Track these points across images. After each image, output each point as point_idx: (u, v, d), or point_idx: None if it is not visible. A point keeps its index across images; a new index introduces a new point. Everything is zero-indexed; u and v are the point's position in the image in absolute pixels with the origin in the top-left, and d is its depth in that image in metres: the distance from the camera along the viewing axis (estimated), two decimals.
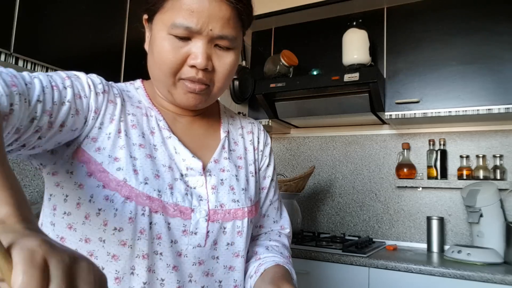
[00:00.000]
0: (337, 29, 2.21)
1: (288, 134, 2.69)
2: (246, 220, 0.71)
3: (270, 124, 2.41)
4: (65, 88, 0.58)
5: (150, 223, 0.61)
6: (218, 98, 0.85)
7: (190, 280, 0.65)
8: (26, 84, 0.51)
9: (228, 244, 0.69)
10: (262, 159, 0.83)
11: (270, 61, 2.27)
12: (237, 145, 0.80)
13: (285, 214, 0.89)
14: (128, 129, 0.66)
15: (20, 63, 1.32)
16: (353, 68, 2.04)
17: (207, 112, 0.79)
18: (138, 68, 1.74)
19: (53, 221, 0.63)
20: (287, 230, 0.87)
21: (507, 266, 1.68)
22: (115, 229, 0.60)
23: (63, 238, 0.62)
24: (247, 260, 0.78)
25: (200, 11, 0.61)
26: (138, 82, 0.76)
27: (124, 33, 1.68)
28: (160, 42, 0.64)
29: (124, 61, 1.68)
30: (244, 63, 2.45)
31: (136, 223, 0.60)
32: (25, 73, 0.54)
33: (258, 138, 0.84)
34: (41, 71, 1.38)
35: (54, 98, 0.55)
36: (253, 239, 0.84)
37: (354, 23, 2.11)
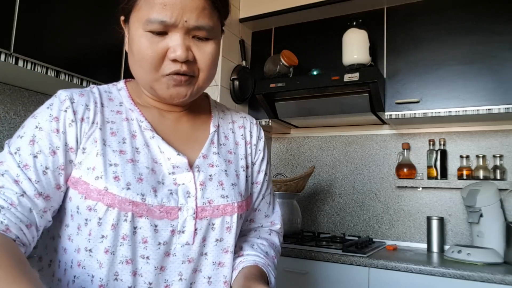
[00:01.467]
0: (337, 29, 2.21)
1: (288, 134, 2.69)
2: (235, 215, 0.71)
3: (270, 124, 2.41)
4: (35, 157, 0.61)
5: (135, 228, 0.61)
6: (209, 94, 0.85)
7: (180, 279, 0.65)
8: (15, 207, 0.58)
9: (217, 240, 0.69)
10: (256, 153, 0.82)
11: (270, 61, 2.27)
12: (227, 139, 0.79)
13: (277, 209, 0.88)
14: (106, 137, 0.66)
15: (20, 63, 1.32)
16: (353, 68, 2.04)
17: (196, 107, 0.78)
18: None
19: (59, 233, 0.66)
20: (278, 226, 0.86)
21: (507, 266, 1.68)
22: (102, 237, 0.61)
23: (66, 249, 0.64)
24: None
25: (173, 4, 0.61)
26: (121, 83, 0.75)
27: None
28: (137, 40, 0.64)
29: (124, 61, 1.68)
30: (244, 63, 2.45)
31: (118, 229, 0.61)
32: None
33: (251, 132, 0.83)
34: (41, 71, 1.38)
35: (36, 187, 0.60)
36: (243, 234, 0.83)
37: (354, 23, 2.11)
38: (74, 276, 0.62)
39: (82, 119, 0.65)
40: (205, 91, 0.78)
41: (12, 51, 1.28)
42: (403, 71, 2.09)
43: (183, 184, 0.67)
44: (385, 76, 2.13)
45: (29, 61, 1.34)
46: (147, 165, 0.65)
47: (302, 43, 2.39)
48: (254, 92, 2.34)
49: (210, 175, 0.71)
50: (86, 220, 0.61)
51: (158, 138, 0.69)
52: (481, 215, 1.87)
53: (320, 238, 2.17)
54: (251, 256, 0.75)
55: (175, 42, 0.63)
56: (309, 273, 1.83)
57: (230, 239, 0.71)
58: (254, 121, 0.86)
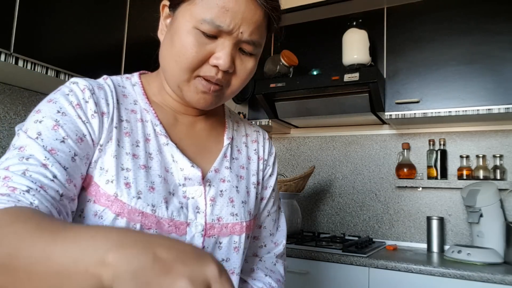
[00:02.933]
0: (337, 29, 2.21)
1: (288, 134, 2.69)
2: (243, 235, 0.68)
3: (270, 124, 2.41)
4: (62, 142, 0.55)
5: None
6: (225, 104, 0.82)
7: None
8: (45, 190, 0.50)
9: (223, 260, 0.66)
10: (266, 168, 0.79)
11: (270, 61, 2.27)
12: (240, 154, 0.75)
13: (282, 226, 0.84)
14: (121, 137, 0.61)
15: (20, 63, 1.32)
16: (353, 68, 2.04)
17: (212, 113, 0.74)
18: (138, 68, 1.74)
19: None
20: (280, 248, 0.83)
21: (507, 266, 1.68)
22: None
23: None
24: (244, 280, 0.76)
25: (235, 11, 0.58)
26: (135, 77, 0.70)
27: (124, 33, 1.68)
28: (184, 35, 0.59)
29: (124, 61, 1.68)
30: None
31: None
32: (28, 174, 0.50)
33: (264, 147, 0.80)
34: (41, 71, 1.38)
35: (64, 174, 0.53)
36: (246, 254, 0.80)
37: (354, 23, 2.11)
38: None
39: (103, 113, 0.60)
40: None
41: (12, 51, 1.28)
42: (403, 71, 2.09)
43: (192, 198, 0.63)
44: (385, 76, 2.12)
45: (29, 61, 1.34)
46: (160, 173, 0.61)
47: (302, 43, 2.38)
48: (254, 92, 2.33)
49: (221, 191, 0.67)
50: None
51: (172, 145, 0.65)
52: (481, 215, 1.87)
53: (320, 238, 2.17)
54: None
55: (223, 50, 0.59)
56: (309, 273, 1.83)
57: (237, 260, 0.67)
58: (267, 135, 0.83)
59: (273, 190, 0.81)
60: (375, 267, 1.71)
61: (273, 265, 0.81)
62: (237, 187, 0.70)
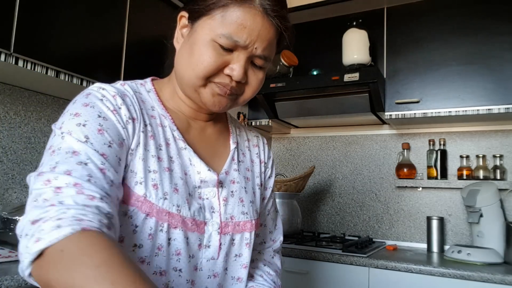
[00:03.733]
0: (337, 29, 2.21)
1: (288, 134, 2.69)
2: (253, 232, 0.73)
3: (270, 124, 2.41)
4: (109, 147, 0.57)
5: (169, 239, 0.61)
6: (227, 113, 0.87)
7: None
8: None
9: (236, 255, 0.71)
10: (265, 170, 0.85)
11: None
12: (245, 157, 0.81)
13: (279, 225, 0.91)
14: (147, 141, 0.64)
15: (20, 63, 1.32)
16: (353, 68, 2.04)
17: (217, 119, 0.79)
18: (138, 68, 1.74)
19: None
20: (278, 244, 0.90)
21: (507, 266, 1.68)
22: (135, 245, 0.59)
23: None
24: None
25: (252, 29, 0.62)
26: (148, 84, 0.73)
27: (124, 33, 1.68)
28: (203, 46, 0.63)
29: (124, 61, 1.68)
30: None
31: (155, 240, 0.60)
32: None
33: (264, 152, 0.86)
34: (41, 71, 1.38)
35: (117, 178, 0.57)
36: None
37: (354, 23, 2.11)
38: None
39: (134, 119, 0.63)
40: None
41: (12, 51, 1.28)
42: (403, 71, 2.09)
43: (207, 199, 0.68)
44: (385, 76, 2.13)
45: (29, 61, 1.34)
46: (181, 176, 0.65)
47: (302, 43, 2.38)
48: None
49: (232, 192, 0.72)
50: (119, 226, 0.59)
51: (190, 150, 0.69)
52: (481, 215, 1.87)
53: (320, 238, 2.17)
54: (262, 287, 0.78)
55: (237, 63, 0.63)
56: (309, 273, 1.83)
57: (248, 255, 0.73)
58: (265, 140, 0.89)
59: (272, 191, 0.87)
60: (375, 267, 1.71)
61: (271, 258, 0.87)
62: (245, 187, 0.76)
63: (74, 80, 1.50)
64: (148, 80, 0.74)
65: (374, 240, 2.23)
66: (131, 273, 0.42)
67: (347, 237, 2.23)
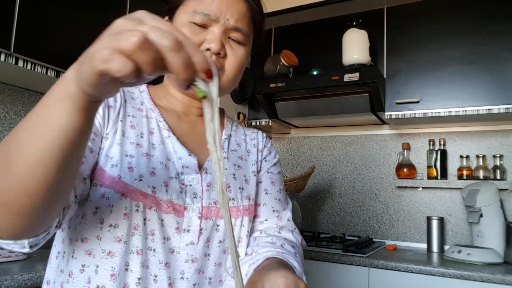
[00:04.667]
0: (337, 29, 2.21)
1: (288, 134, 2.69)
2: (240, 218, 0.72)
3: (270, 124, 2.41)
4: None
5: (144, 219, 0.63)
6: (225, 110, 0.88)
7: (182, 277, 0.65)
8: None
9: (220, 241, 0.70)
10: (266, 157, 0.86)
11: (270, 61, 2.27)
12: (239, 146, 0.82)
13: (289, 207, 0.85)
14: (126, 129, 0.68)
15: (20, 63, 1.32)
16: (353, 68, 2.04)
17: None
18: None
19: (69, 225, 0.65)
20: (285, 220, 0.82)
21: (507, 266, 1.68)
22: (111, 225, 0.61)
23: (70, 239, 0.63)
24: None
25: (220, 1, 0.68)
26: (143, 87, 0.78)
27: None
28: (180, 29, 0.68)
29: None
30: None
31: (131, 219, 0.62)
32: None
33: (263, 142, 0.87)
34: (41, 71, 1.38)
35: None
36: (253, 238, 0.79)
37: (354, 23, 2.11)
38: (83, 265, 0.61)
39: (110, 106, 0.68)
40: None
41: (12, 51, 1.28)
42: (403, 71, 2.09)
43: (190, 185, 0.68)
44: (385, 76, 2.13)
45: (29, 61, 1.34)
46: (161, 161, 0.67)
47: (302, 43, 2.38)
48: (254, 92, 2.34)
49: None
50: (97, 208, 0.61)
51: (174, 138, 0.71)
52: (481, 215, 1.87)
53: (320, 238, 2.17)
54: (260, 255, 0.70)
55: (213, 35, 0.68)
56: (309, 273, 1.83)
57: None
58: (265, 134, 0.90)
59: (267, 172, 0.84)
60: (375, 267, 1.71)
61: (277, 232, 0.79)
62: (234, 174, 0.76)
63: None
64: (144, 85, 0.78)
65: (374, 240, 2.23)
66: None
67: (347, 237, 2.23)
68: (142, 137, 0.68)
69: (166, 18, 0.74)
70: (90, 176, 0.62)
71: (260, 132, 0.89)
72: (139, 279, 0.61)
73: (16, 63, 1.31)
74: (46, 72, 1.40)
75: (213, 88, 0.41)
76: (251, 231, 0.81)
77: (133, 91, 0.76)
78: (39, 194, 0.43)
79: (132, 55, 0.34)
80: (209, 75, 0.39)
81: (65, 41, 1.46)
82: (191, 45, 0.37)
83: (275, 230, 0.80)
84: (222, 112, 0.87)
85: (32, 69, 1.36)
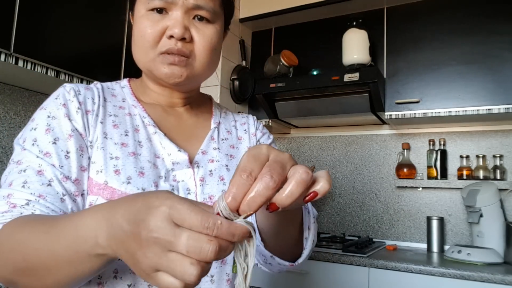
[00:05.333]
0: (337, 29, 2.21)
1: (288, 134, 2.69)
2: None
3: (270, 124, 2.41)
4: (54, 143, 0.60)
5: None
6: (213, 97, 0.85)
7: None
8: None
9: None
10: (257, 136, 0.82)
11: (270, 61, 2.27)
12: (230, 134, 0.79)
13: None
14: (108, 130, 0.65)
15: (20, 63, 1.32)
16: (353, 68, 2.04)
17: (198, 106, 0.78)
18: (138, 68, 1.74)
19: None
20: None
21: (507, 266, 1.68)
22: None
23: None
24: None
25: None
26: (124, 81, 0.76)
27: (124, 33, 1.68)
28: (139, 20, 0.66)
29: (124, 61, 1.68)
30: (244, 63, 2.45)
31: None
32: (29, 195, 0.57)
33: (254, 125, 0.84)
34: (41, 71, 1.38)
35: (61, 171, 0.59)
36: None
37: (354, 23, 2.11)
38: None
39: (87, 111, 0.65)
40: (207, 92, 0.78)
41: (12, 51, 1.28)
42: (403, 71, 2.09)
43: (183, 181, 0.66)
44: (385, 76, 2.13)
45: (29, 61, 1.34)
46: (149, 159, 0.65)
47: (302, 43, 2.38)
48: (254, 92, 2.34)
49: (210, 171, 0.70)
50: None
51: (160, 133, 0.68)
52: (481, 215, 1.87)
53: (320, 238, 2.17)
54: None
55: (173, 20, 0.64)
56: (309, 273, 1.83)
57: None
58: (255, 118, 0.87)
59: None
60: (375, 267, 1.71)
61: None
62: (227, 165, 0.73)
63: (74, 80, 1.50)
64: (125, 79, 0.77)
65: (374, 240, 2.23)
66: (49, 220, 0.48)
67: (347, 237, 2.23)
68: (127, 135, 0.66)
69: (130, 13, 0.72)
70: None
71: (250, 116, 0.86)
72: (129, 285, 0.59)
73: (16, 63, 1.31)
74: (46, 72, 1.40)
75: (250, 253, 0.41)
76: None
77: (113, 87, 0.73)
78: None
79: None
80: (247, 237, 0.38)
81: (65, 41, 1.46)
82: (225, 227, 0.36)
83: None
84: (209, 99, 0.85)
85: (32, 69, 1.36)
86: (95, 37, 1.57)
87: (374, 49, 2.14)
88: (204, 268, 0.35)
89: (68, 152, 0.60)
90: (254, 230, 0.39)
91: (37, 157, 0.58)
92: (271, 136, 0.86)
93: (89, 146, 0.63)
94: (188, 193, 0.66)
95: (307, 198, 0.43)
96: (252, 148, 0.41)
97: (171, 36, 0.63)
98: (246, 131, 0.82)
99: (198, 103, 0.79)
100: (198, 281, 0.35)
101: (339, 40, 2.15)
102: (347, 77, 1.96)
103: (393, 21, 2.15)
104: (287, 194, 0.39)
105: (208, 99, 0.84)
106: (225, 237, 0.36)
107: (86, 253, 0.43)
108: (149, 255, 0.36)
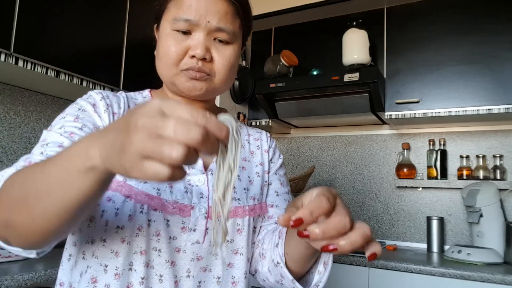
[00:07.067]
0: (337, 29, 2.21)
1: (288, 134, 2.69)
2: (246, 218, 0.73)
3: (270, 124, 2.41)
4: (81, 129, 0.65)
5: (149, 220, 0.64)
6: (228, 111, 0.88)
7: (188, 275, 0.67)
8: None
9: (227, 241, 0.71)
10: (273, 157, 0.87)
11: (270, 61, 2.27)
12: (243, 148, 0.83)
13: None
14: None
15: (20, 63, 1.32)
16: (353, 68, 2.04)
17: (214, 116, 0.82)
18: (138, 68, 1.74)
19: (80, 227, 0.68)
20: None
21: (507, 266, 1.68)
22: (118, 227, 0.63)
23: (76, 242, 0.67)
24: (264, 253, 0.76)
25: (198, 5, 0.68)
26: (146, 91, 0.81)
27: (124, 33, 1.68)
28: (164, 38, 0.71)
29: (124, 61, 1.68)
30: (244, 63, 2.45)
31: (135, 221, 0.63)
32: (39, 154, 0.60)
33: (267, 142, 0.88)
34: (41, 71, 1.38)
35: None
36: (264, 238, 0.81)
37: (354, 23, 2.11)
38: (87, 266, 0.64)
39: (114, 113, 0.70)
40: None
41: (12, 51, 1.28)
42: (403, 71, 2.09)
43: (196, 186, 0.70)
44: (385, 76, 2.13)
45: (29, 61, 1.34)
46: None
47: (302, 43, 2.39)
48: (254, 92, 2.34)
49: None
50: (103, 211, 0.64)
51: None
52: (481, 215, 1.87)
53: None
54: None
55: (196, 41, 0.68)
56: None
57: (240, 242, 0.73)
58: (268, 134, 0.91)
59: (275, 173, 0.86)
60: (375, 267, 1.71)
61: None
62: (238, 176, 0.77)
63: (74, 80, 1.50)
64: (147, 90, 0.82)
65: None
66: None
67: None
68: None
69: (155, 26, 0.76)
70: None
71: (264, 132, 0.90)
72: (142, 278, 0.63)
73: (16, 63, 1.31)
74: (46, 72, 1.40)
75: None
76: (260, 231, 0.82)
77: (136, 97, 0.78)
78: (52, 231, 0.48)
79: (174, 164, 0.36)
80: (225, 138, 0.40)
81: (65, 41, 1.46)
82: (211, 122, 0.38)
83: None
84: (224, 112, 0.88)
85: (32, 69, 1.36)
86: (95, 37, 1.57)
87: (374, 49, 2.14)
88: (192, 155, 0.35)
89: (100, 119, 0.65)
90: (239, 137, 0.42)
91: (61, 135, 0.62)
92: (281, 156, 0.91)
93: None
94: (201, 197, 0.69)
95: (369, 256, 0.53)
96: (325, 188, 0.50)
97: (193, 56, 0.68)
98: (258, 147, 0.86)
99: (215, 114, 0.81)
100: (184, 170, 0.36)
101: (339, 40, 2.15)
102: (347, 77, 1.96)
103: (393, 21, 2.15)
104: (351, 241, 0.49)
105: (223, 111, 0.88)
106: (213, 128, 0.37)
107: (76, 170, 0.43)
108: (136, 140, 0.35)
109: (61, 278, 0.69)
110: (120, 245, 0.63)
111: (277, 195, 0.85)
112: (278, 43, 2.48)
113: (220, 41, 0.70)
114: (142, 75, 1.69)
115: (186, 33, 0.69)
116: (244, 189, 0.76)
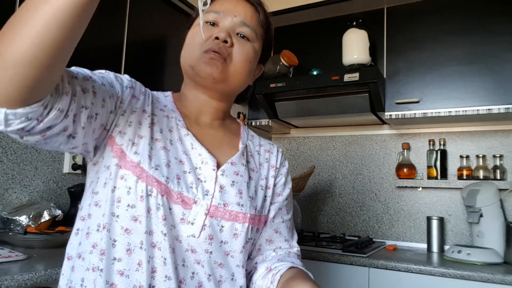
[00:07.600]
0: (337, 29, 2.21)
1: (288, 134, 2.69)
2: (246, 225, 0.75)
3: (270, 124, 2.41)
4: (102, 77, 0.69)
5: (158, 204, 0.67)
6: (240, 122, 0.94)
7: (183, 265, 0.69)
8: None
9: (222, 242, 0.73)
10: (278, 176, 0.88)
11: (270, 61, 2.27)
12: (252, 158, 0.85)
13: (295, 236, 0.93)
14: (151, 125, 0.74)
15: None
16: (353, 68, 2.04)
17: (228, 124, 0.87)
18: (138, 69, 1.74)
19: (89, 202, 0.71)
20: (295, 248, 0.91)
21: (507, 266, 1.68)
22: (128, 205, 0.66)
23: (90, 214, 0.69)
24: (256, 277, 0.82)
25: (228, 3, 0.78)
26: (168, 92, 0.86)
27: (124, 33, 1.68)
28: (194, 28, 0.78)
29: (124, 61, 1.68)
30: None
31: (146, 202, 0.66)
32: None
33: (276, 158, 0.90)
34: None
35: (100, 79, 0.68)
36: (263, 258, 0.86)
37: (354, 23, 2.11)
38: (101, 239, 0.66)
39: (134, 96, 0.74)
40: None
41: None
42: (403, 71, 2.09)
43: (204, 182, 0.73)
44: (385, 76, 2.13)
45: None
46: (176, 156, 0.73)
47: (302, 43, 2.39)
48: (254, 92, 2.34)
49: (233, 182, 0.76)
50: (115, 187, 0.67)
51: (192, 136, 0.77)
52: (481, 215, 1.87)
53: (320, 238, 2.17)
54: (282, 265, 0.80)
55: (221, 27, 0.76)
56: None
57: (235, 246, 0.75)
58: (280, 149, 0.93)
59: (286, 199, 0.88)
60: (375, 267, 1.71)
61: (286, 257, 0.87)
62: (247, 183, 0.80)
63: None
64: (169, 91, 0.87)
65: (374, 240, 2.23)
66: None
67: (347, 237, 2.23)
68: (161, 132, 0.74)
69: (187, 31, 0.82)
70: (104, 143, 0.70)
71: (275, 146, 0.93)
72: (150, 257, 0.66)
73: None
74: None
75: None
76: (266, 251, 0.87)
77: (158, 95, 0.82)
78: (40, 52, 0.50)
79: None
80: None
81: None
82: None
83: (285, 253, 0.89)
84: (238, 124, 0.93)
85: None
86: (95, 37, 1.57)
87: (374, 49, 2.14)
88: None
89: (110, 84, 0.69)
90: None
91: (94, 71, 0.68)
92: (289, 176, 0.93)
93: (123, 118, 0.71)
94: (206, 194, 0.72)
95: None
96: None
97: (216, 38, 0.74)
98: (267, 160, 0.88)
99: (228, 122, 0.89)
100: None
101: (339, 40, 2.15)
102: (347, 77, 1.96)
103: (393, 21, 2.15)
104: None
105: (237, 123, 0.93)
106: None
107: None
108: None
109: (69, 253, 0.71)
110: (132, 223, 0.66)
111: (283, 221, 0.88)
112: (278, 43, 2.48)
113: (242, 36, 0.77)
114: (143, 75, 1.69)
115: (214, 25, 0.77)
116: (250, 197, 0.78)
